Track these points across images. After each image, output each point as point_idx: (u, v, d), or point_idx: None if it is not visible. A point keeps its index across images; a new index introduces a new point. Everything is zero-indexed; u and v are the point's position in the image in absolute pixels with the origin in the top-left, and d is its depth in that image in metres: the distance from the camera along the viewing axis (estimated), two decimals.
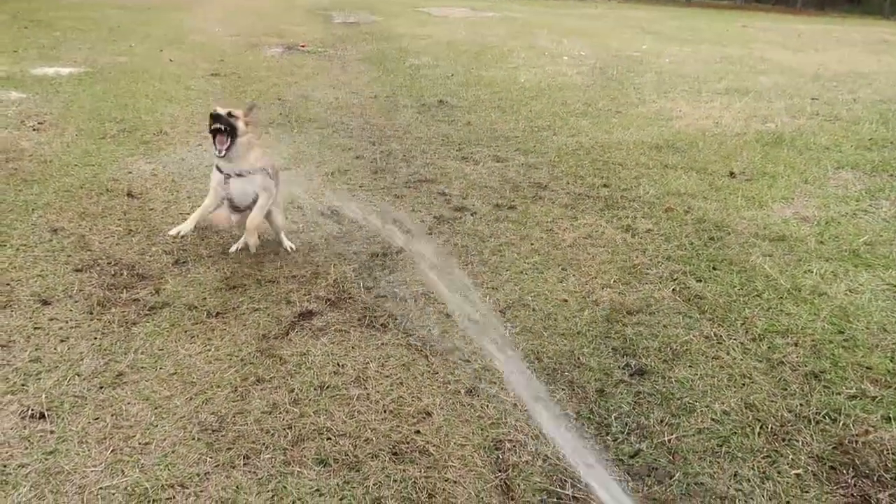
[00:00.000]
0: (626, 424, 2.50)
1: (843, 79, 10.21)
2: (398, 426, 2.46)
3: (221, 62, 10.21)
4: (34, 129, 5.88)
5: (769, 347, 2.99)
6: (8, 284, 3.27)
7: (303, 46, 11.76)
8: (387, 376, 2.74)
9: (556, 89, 8.94)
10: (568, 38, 14.88)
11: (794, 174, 5.37)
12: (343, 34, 14.88)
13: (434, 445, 2.37)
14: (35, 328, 2.93)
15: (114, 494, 2.08)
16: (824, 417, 2.53)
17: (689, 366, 2.86)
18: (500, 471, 2.27)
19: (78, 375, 2.62)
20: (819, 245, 4.03)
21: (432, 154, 5.86)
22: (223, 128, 3.38)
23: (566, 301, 3.38)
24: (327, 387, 2.65)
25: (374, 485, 2.18)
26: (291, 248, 3.84)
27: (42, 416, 2.38)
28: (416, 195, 4.84)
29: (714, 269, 3.75)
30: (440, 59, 11.27)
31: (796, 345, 3.01)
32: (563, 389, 2.70)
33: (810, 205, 4.70)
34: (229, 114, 3.43)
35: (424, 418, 2.51)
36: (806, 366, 2.85)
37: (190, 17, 17.19)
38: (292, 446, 2.32)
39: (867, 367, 2.82)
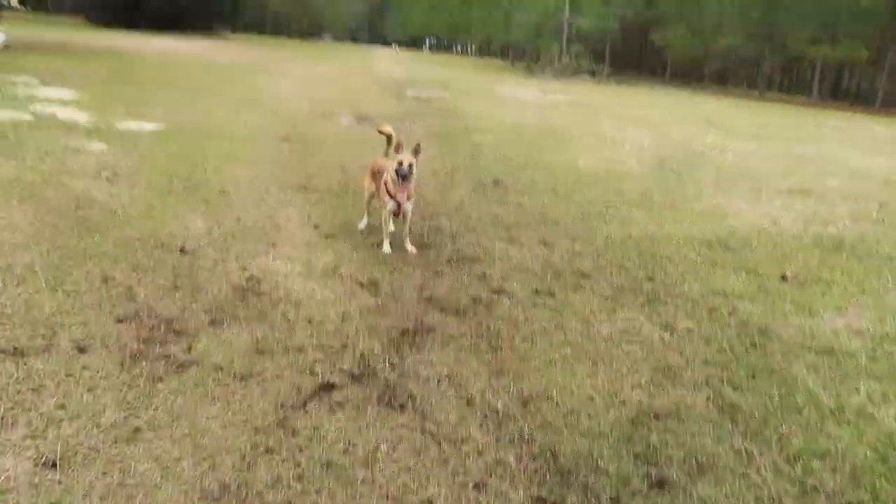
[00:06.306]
0: None
1: None
2: None
3: (293, 128, 10.71)
4: (108, 181, 6.25)
5: (804, 470, 2.81)
6: (52, 328, 3.42)
7: (381, 132, 12.22)
8: (395, 461, 2.69)
9: (613, 177, 8.96)
10: (634, 126, 15.00)
11: (851, 283, 5.16)
12: (414, 109, 15.44)
13: None
14: (67, 375, 3.03)
15: None
16: None
17: (715, 482, 2.71)
18: None
19: (97, 427, 2.68)
20: (870, 362, 3.81)
21: (479, 233, 5.91)
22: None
23: (592, 399, 3.28)
24: (334, 465, 2.62)
25: None
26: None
27: (54, 464, 2.44)
28: (456, 273, 4.87)
29: (753, 377, 3.59)
30: (503, 140, 11.52)
31: (834, 470, 2.82)
32: (575, 493, 2.59)
33: (865, 317, 4.49)
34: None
35: None
36: (843, 495, 2.66)
37: (271, 81, 18.21)
38: None
39: None
